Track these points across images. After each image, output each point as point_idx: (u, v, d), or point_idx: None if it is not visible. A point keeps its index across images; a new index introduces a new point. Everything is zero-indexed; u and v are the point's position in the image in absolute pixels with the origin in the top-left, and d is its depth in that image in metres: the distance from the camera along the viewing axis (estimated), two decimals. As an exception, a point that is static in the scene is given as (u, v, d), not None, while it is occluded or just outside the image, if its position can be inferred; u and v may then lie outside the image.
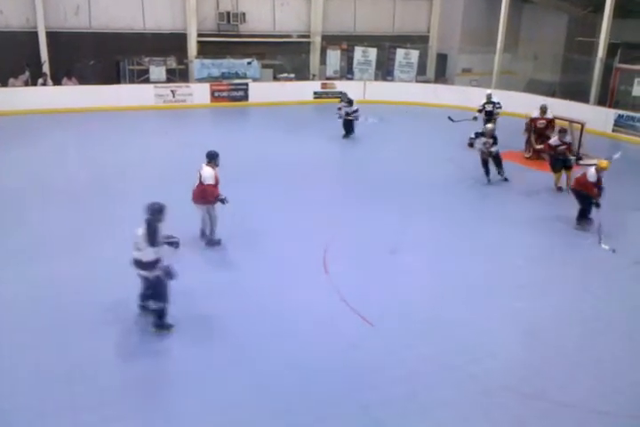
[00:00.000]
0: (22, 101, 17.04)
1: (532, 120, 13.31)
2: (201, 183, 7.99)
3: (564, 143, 10.98)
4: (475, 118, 14.15)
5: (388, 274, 7.77)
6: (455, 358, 5.95)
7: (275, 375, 5.60)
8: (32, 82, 17.97)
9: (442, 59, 23.06)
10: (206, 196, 8.04)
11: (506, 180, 11.87)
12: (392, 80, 21.80)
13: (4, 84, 17.56)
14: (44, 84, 17.94)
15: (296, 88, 20.77)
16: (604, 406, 5.31)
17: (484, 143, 11.48)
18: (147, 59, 19.46)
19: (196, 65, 19.98)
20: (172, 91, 19.08)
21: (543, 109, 13.23)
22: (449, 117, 13.90)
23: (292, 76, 21.54)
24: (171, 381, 5.63)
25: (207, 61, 20.09)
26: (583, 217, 9.46)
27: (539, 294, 7.35)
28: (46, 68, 18.19)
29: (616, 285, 7.67)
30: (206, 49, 20.39)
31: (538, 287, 7.52)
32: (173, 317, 6.28)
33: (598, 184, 9.04)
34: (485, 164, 11.69)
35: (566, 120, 13.51)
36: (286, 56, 21.75)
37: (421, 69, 22.25)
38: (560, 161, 11.01)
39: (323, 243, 8.52)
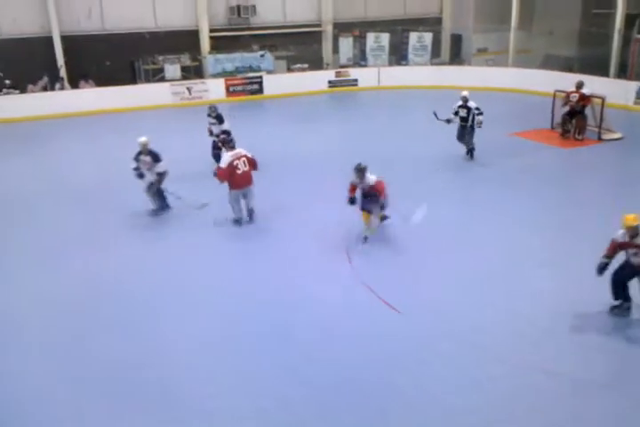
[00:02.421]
0: (41, 107, 17.31)
1: (567, 94, 13.20)
2: (250, 164, 8.88)
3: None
4: (448, 121, 11.91)
5: (413, 264, 7.79)
6: (483, 339, 5.98)
7: (303, 364, 5.71)
8: (50, 87, 18.29)
9: (456, 40, 22.73)
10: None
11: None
12: (406, 64, 21.61)
13: (23, 91, 17.87)
14: (62, 88, 18.24)
15: (310, 78, 20.73)
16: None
17: None
18: (161, 57, 19.59)
19: (210, 61, 20.05)
20: (188, 88, 19.19)
21: (578, 85, 13.07)
22: (434, 113, 11.89)
23: (306, 66, 21.47)
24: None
25: (220, 56, 20.15)
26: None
27: (562, 275, 7.31)
28: (63, 73, 18.45)
29: None
30: (219, 44, 20.43)
31: (561, 265, 7.48)
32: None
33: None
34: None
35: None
36: (299, 46, 21.70)
37: (436, 52, 22.03)
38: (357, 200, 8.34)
39: (345, 234, 8.58)
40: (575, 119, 13.18)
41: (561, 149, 12.74)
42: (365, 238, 8.29)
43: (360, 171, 8.09)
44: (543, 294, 6.84)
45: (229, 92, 19.76)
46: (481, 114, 11.60)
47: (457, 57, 22.51)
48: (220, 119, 11.46)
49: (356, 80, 21.04)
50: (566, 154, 12.33)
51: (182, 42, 19.95)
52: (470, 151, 12.00)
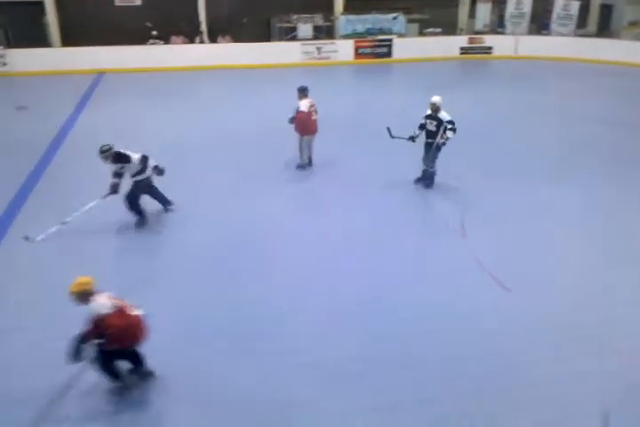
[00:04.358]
0: (182, 58, 18.38)
1: None
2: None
3: None
4: (411, 139, 8.87)
5: (529, 242, 7.60)
6: (595, 328, 5.80)
7: (401, 337, 5.85)
8: (190, 40, 19.21)
9: (606, 10, 21.02)
10: None
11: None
12: (548, 34, 20.35)
13: (167, 42, 18.95)
14: (202, 41, 19.10)
15: (442, 43, 20.16)
16: None
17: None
18: (295, 16, 19.88)
19: (342, 21, 20.04)
20: (318, 48, 19.39)
21: None
22: (387, 129, 9.00)
23: (439, 30, 20.89)
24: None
25: (352, 17, 20.08)
26: None
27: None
28: (203, 27, 19.28)
29: None
30: (353, 5, 20.35)
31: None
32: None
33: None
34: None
35: None
36: (433, 10, 21.08)
37: (582, 22, 20.53)
38: None
39: (462, 207, 8.50)
40: None
41: None
42: None
43: None
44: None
45: (357, 54, 19.71)
46: (453, 130, 8.51)
47: (605, 29, 20.85)
48: (122, 159, 7.25)
49: (490, 48, 20.22)
50: None
51: (317, 2, 20.08)
52: (430, 176, 8.94)
